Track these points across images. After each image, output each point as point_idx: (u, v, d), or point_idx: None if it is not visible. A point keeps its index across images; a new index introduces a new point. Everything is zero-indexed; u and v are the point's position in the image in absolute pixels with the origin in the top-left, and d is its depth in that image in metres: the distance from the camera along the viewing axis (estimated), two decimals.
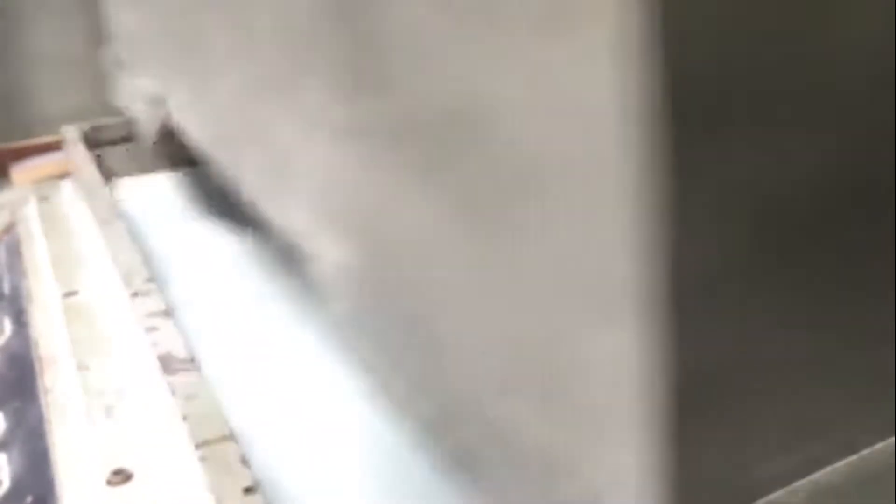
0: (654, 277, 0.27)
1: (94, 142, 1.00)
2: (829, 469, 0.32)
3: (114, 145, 1.02)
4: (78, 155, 0.94)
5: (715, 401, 0.29)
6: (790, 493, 0.32)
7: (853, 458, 0.33)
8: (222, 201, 0.78)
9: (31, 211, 0.93)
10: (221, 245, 0.85)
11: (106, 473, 0.51)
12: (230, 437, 0.46)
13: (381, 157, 0.42)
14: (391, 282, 0.44)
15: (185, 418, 0.48)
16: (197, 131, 0.76)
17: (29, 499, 0.52)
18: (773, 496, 0.31)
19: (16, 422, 0.59)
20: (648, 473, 0.29)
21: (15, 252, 0.83)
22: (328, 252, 0.49)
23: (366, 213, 0.45)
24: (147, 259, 0.68)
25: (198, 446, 0.46)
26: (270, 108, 0.55)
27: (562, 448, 0.33)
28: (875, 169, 0.31)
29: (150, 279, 0.63)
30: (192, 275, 0.75)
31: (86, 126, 1.02)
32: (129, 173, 1.02)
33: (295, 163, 0.52)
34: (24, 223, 0.90)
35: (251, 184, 0.64)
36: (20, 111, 1.18)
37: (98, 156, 0.97)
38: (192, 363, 0.53)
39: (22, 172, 1.06)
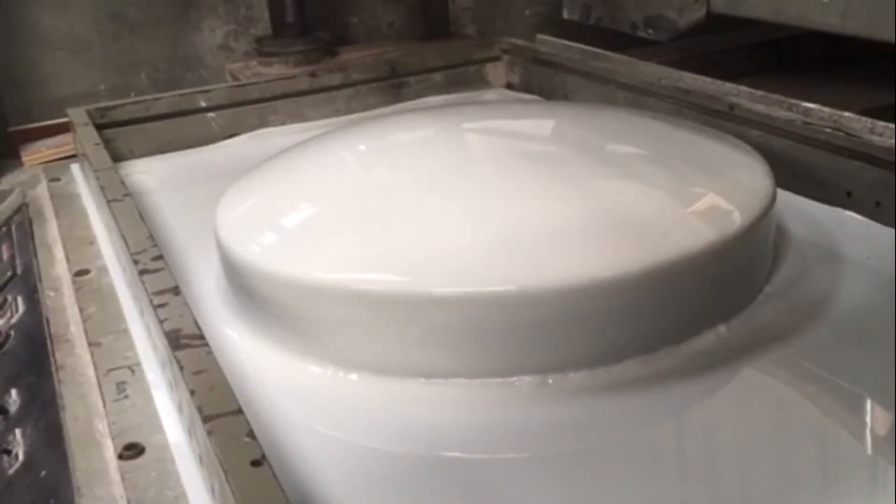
0: None
1: (102, 123, 1.00)
2: None
3: (122, 126, 1.03)
4: (86, 136, 0.94)
5: None
6: None
7: None
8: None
9: (41, 191, 0.94)
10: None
11: (118, 448, 0.52)
12: (238, 411, 0.47)
13: None
14: None
15: (193, 393, 0.49)
16: None
17: (43, 473, 0.53)
18: None
19: (30, 398, 0.60)
20: None
21: (26, 232, 0.84)
22: None
23: None
24: (155, 237, 0.68)
25: (206, 420, 0.46)
26: None
27: None
28: None
29: (159, 257, 0.64)
30: (199, 251, 0.75)
31: (94, 108, 1.02)
32: (136, 154, 1.03)
33: None
34: (34, 204, 0.91)
35: None
36: (30, 94, 1.19)
37: (106, 137, 0.97)
38: (199, 339, 0.53)
39: (32, 154, 1.07)
